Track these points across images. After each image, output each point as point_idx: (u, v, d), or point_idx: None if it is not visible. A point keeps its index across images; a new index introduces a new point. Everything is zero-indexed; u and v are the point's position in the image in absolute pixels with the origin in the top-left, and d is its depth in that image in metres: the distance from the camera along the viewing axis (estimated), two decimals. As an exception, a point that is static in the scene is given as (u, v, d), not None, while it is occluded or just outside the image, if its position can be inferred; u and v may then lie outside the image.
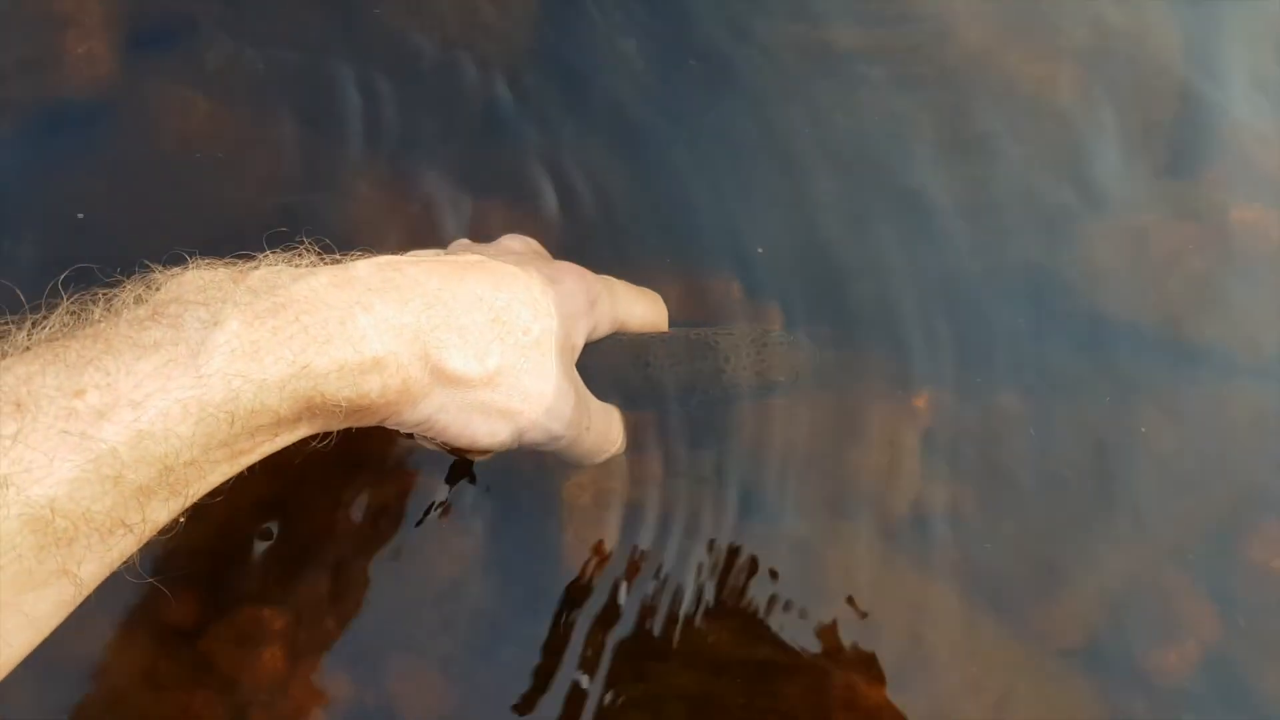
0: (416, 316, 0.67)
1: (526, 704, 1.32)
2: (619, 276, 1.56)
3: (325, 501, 1.40)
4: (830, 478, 1.39)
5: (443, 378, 0.71)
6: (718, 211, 1.56)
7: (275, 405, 0.56)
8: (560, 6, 1.62)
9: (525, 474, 1.44)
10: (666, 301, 1.49)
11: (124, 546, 0.53)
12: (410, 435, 0.98)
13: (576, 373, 0.97)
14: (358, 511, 1.42)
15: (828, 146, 1.50)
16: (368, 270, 0.67)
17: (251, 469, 1.36)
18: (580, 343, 0.97)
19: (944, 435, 1.43)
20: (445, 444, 0.89)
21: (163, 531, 0.64)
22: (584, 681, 1.31)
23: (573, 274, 0.99)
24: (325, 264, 0.68)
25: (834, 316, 1.55)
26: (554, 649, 1.36)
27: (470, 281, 0.75)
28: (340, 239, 1.49)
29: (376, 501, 1.42)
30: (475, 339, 0.72)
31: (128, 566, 0.63)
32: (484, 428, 0.79)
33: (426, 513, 1.44)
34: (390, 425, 0.77)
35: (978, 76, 1.49)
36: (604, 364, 1.12)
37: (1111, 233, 1.49)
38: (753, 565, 1.36)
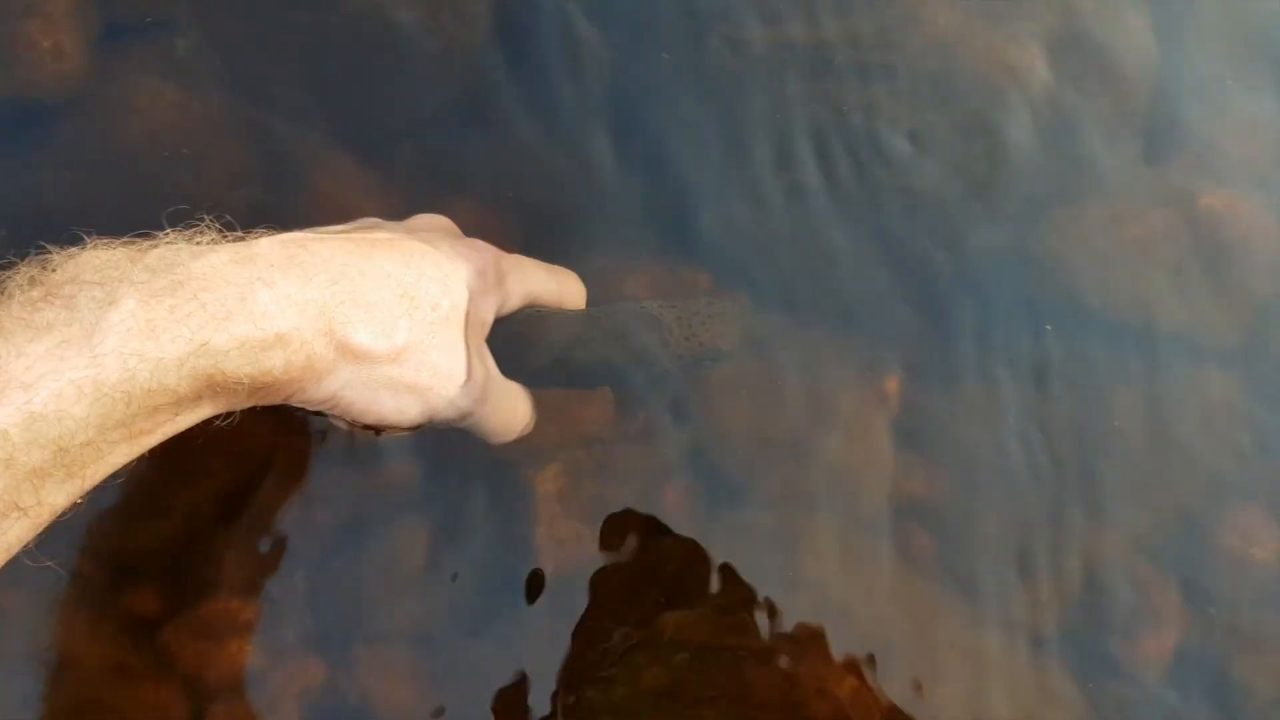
0: (321, 292, 0.67)
1: (500, 694, 1.32)
2: (591, 265, 1.57)
3: (294, 491, 1.40)
4: (800, 465, 1.39)
5: (348, 353, 0.71)
6: (686, 201, 1.56)
7: (174, 384, 0.56)
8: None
9: (498, 461, 1.43)
10: (640, 288, 1.50)
11: (19, 530, 0.53)
12: (320, 414, 0.98)
13: (486, 349, 0.96)
14: (327, 501, 1.41)
15: (795, 136, 1.50)
16: (270, 247, 0.67)
17: (219, 456, 1.35)
18: (490, 318, 0.98)
19: (914, 422, 1.43)
20: (355, 421, 0.89)
21: (62, 514, 0.63)
22: (555, 672, 1.30)
23: (482, 250, 1.00)
24: (227, 241, 0.68)
25: (805, 303, 1.55)
26: (526, 639, 1.36)
27: (378, 257, 0.75)
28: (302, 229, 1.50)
29: (347, 490, 1.41)
30: (382, 314, 0.72)
31: (27, 551, 0.63)
32: (391, 404, 0.79)
33: (399, 502, 1.44)
34: (295, 403, 0.75)
35: (947, 63, 1.49)
36: (547, 342, 1.12)
37: (1082, 220, 1.49)
38: (723, 554, 1.36)
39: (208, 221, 0.76)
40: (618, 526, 1.40)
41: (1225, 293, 1.47)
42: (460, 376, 0.85)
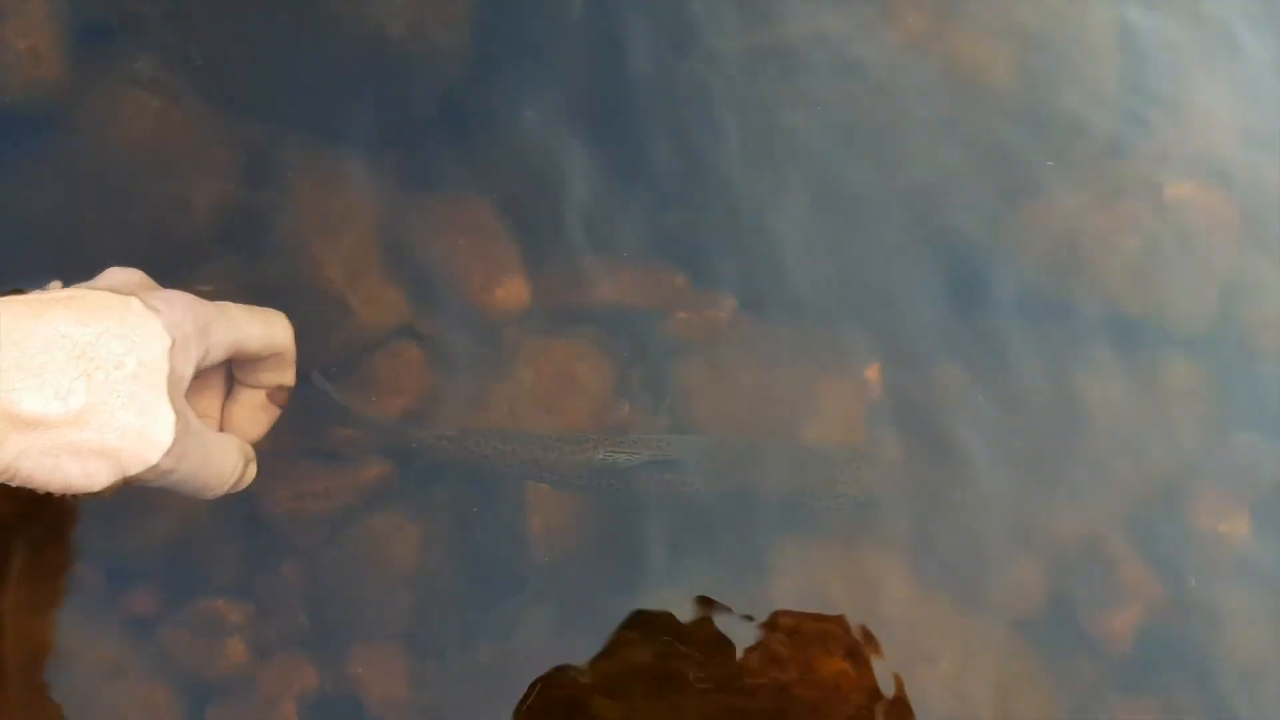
0: None
1: (492, 685, 1.34)
2: (570, 267, 1.59)
3: (287, 493, 1.41)
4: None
5: (18, 422, 0.68)
6: (663, 202, 1.59)
7: None
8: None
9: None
10: (614, 290, 1.53)
11: None
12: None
13: (185, 403, 0.88)
14: (320, 502, 1.43)
15: (771, 135, 1.53)
16: None
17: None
18: (189, 372, 0.89)
19: (892, 407, 1.47)
20: (41, 489, 0.81)
21: None
22: (548, 661, 1.32)
23: (179, 301, 0.92)
24: None
25: (783, 296, 1.58)
26: (518, 630, 1.38)
27: (49, 317, 0.71)
28: (284, 235, 1.51)
29: (339, 492, 1.43)
30: (55, 377, 0.69)
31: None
32: (77, 469, 0.75)
33: (388, 498, 1.46)
34: None
35: (918, 58, 1.53)
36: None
37: (1050, 211, 1.53)
38: (708, 542, 1.39)
39: None
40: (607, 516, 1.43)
41: (1191, 279, 1.52)
42: (157, 435, 0.80)
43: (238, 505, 1.45)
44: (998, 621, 1.40)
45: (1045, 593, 1.44)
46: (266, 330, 1.10)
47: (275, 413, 1.05)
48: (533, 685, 1.28)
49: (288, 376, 1.05)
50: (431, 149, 1.66)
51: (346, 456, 1.48)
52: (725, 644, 1.31)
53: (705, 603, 1.33)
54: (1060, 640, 1.42)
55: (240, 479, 1.05)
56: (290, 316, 1.50)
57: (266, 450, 1.44)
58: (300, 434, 1.49)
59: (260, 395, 1.07)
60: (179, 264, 1.50)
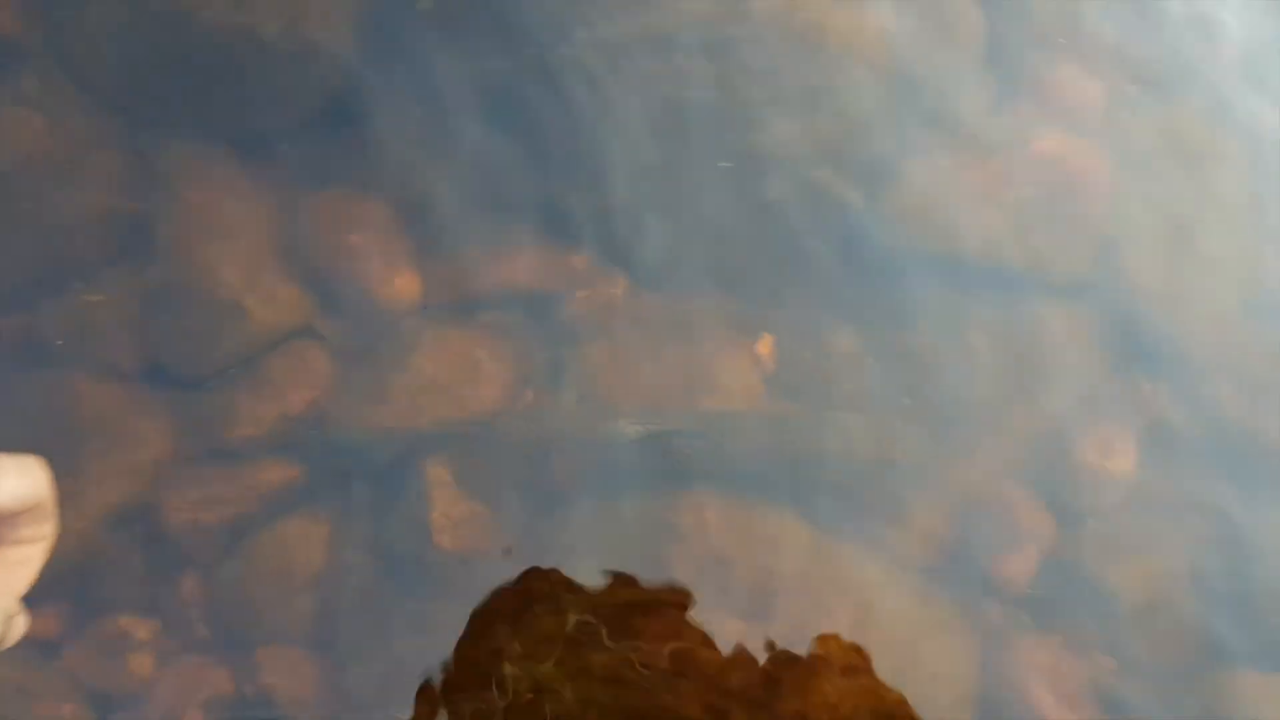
0: None
1: (405, 676, 1.35)
2: (468, 256, 1.60)
3: (185, 503, 1.41)
4: (680, 425, 1.44)
5: None
6: (559, 186, 1.60)
7: None
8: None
9: (387, 456, 1.46)
10: (511, 275, 1.54)
11: None
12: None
13: None
14: (221, 509, 1.43)
15: (650, 114, 1.55)
16: None
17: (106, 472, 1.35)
18: None
19: (786, 374, 1.49)
20: None
21: None
22: (451, 644, 1.33)
23: None
24: None
25: (676, 272, 1.60)
26: (433, 622, 1.39)
27: None
28: (172, 242, 1.51)
29: (240, 497, 1.43)
30: None
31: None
32: None
33: (296, 505, 1.46)
34: None
35: (785, 29, 1.56)
36: None
37: (924, 172, 1.57)
38: (611, 514, 1.41)
39: None
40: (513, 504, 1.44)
41: (1065, 230, 1.56)
42: None
43: (137, 521, 1.45)
44: (899, 571, 1.44)
45: (946, 541, 1.48)
46: (20, 483, 0.96)
47: (36, 566, 0.91)
48: (444, 662, 1.30)
49: (47, 528, 0.94)
50: (321, 147, 1.65)
51: (247, 456, 1.49)
52: (628, 611, 1.33)
53: (610, 573, 1.35)
54: (963, 586, 1.47)
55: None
56: (183, 322, 1.51)
57: (164, 460, 1.45)
58: (197, 438, 1.50)
59: (18, 550, 0.92)
60: (68, 276, 1.50)
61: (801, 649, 1.33)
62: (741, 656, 1.31)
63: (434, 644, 1.37)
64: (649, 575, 1.34)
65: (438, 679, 1.30)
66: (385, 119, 1.62)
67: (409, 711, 1.32)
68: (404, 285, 1.60)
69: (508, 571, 1.41)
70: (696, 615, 1.32)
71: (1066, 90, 1.63)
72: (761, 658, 1.30)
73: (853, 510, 1.45)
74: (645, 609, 1.32)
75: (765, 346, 1.55)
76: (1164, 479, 1.54)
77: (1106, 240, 1.61)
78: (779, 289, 1.58)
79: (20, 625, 1.05)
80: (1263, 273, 1.65)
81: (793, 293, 1.57)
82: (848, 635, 1.37)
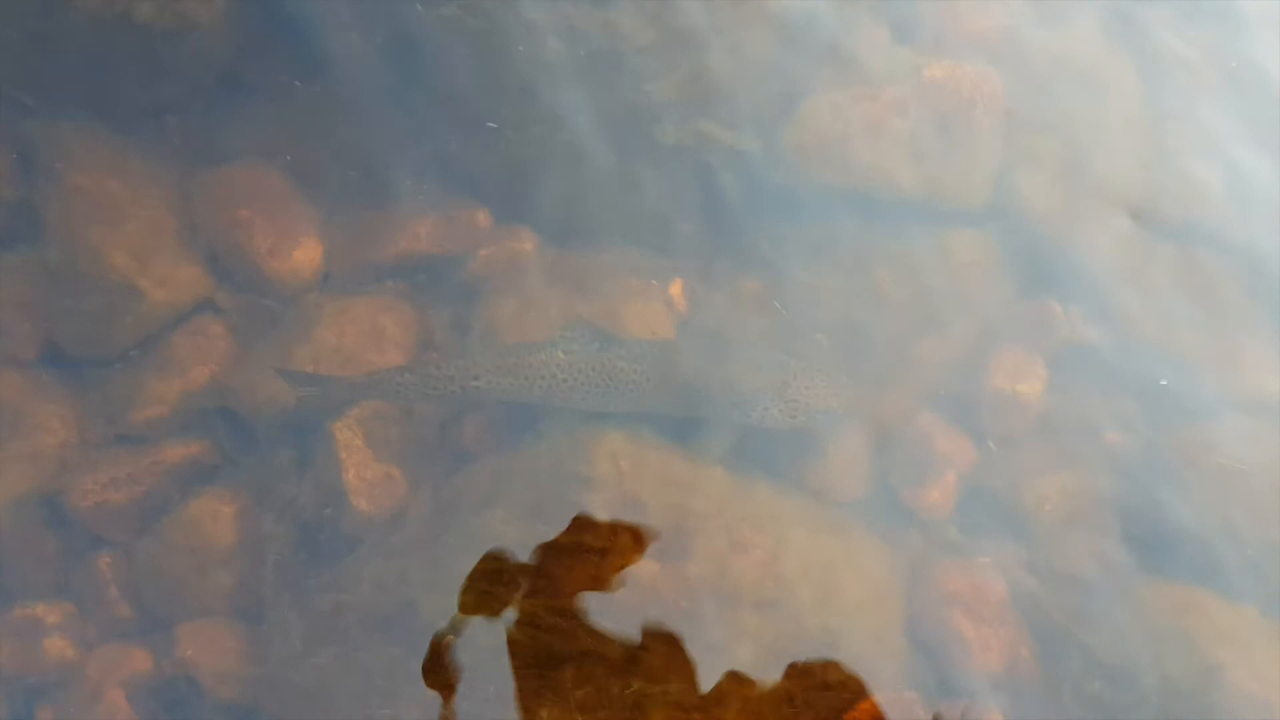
0: None
1: (330, 636, 1.34)
2: (370, 223, 1.58)
3: (91, 485, 1.40)
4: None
5: None
6: (453, 143, 1.59)
7: None
8: None
9: (293, 419, 1.45)
10: (414, 239, 1.53)
11: None
12: None
13: None
14: (128, 489, 1.42)
15: (543, 67, 1.54)
16: None
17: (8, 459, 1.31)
18: None
19: (697, 320, 1.50)
20: None
21: None
22: (373, 602, 1.33)
23: None
24: None
25: (585, 226, 1.60)
26: (355, 584, 1.38)
27: None
28: (60, 226, 1.48)
29: (148, 478, 1.42)
30: None
31: None
32: None
33: (207, 480, 1.45)
34: None
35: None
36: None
37: (818, 109, 1.57)
38: (527, 470, 1.41)
39: None
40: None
41: (963, 157, 1.56)
42: None
43: (43, 507, 1.43)
44: (815, 506, 1.45)
45: (864, 474, 1.49)
46: None
47: None
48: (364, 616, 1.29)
49: None
50: (209, 121, 1.63)
51: (151, 438, 1.47)
52: (545, 554, 1.33)
53: (526, 516, 1.35)
54: (884, 517, 1.47)
55: None
56: (79, 306, 1.48)
57: (68, 444, 1.43)
58: (101, 421, 1.48)
59: None
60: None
61: (718, 585, 1.33)
62: (658, 596, 1.31)
63: (355, 604, 1.37)
64: (565, 521, 1.34)
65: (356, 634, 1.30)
66: (271, 89, 1.60)
67: (391, 709, 1.32)
68: (304, 256, 1.58)
69: (426, 529, 1.41)
70: (613, 559, 1.32)
71: (962, 20, 1.63)
72: (679, 597, 1.31)
73: (768, 448, 1.46)
74: (562, 552, 1.32)
75: (676, 291, 1.55)
76: (1075, 399, 1.55)
77: (1003, 166, 1.61)
78: (686, 236, 1.58)
79: None
80: (1161, 190, 1.66)
81: (700, 240, 1.57)
82: (761, 568, 1.37)
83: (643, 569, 1.33)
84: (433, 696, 1.26)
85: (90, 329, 1.48)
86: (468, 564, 1.32)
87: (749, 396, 1.41)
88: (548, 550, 1.34)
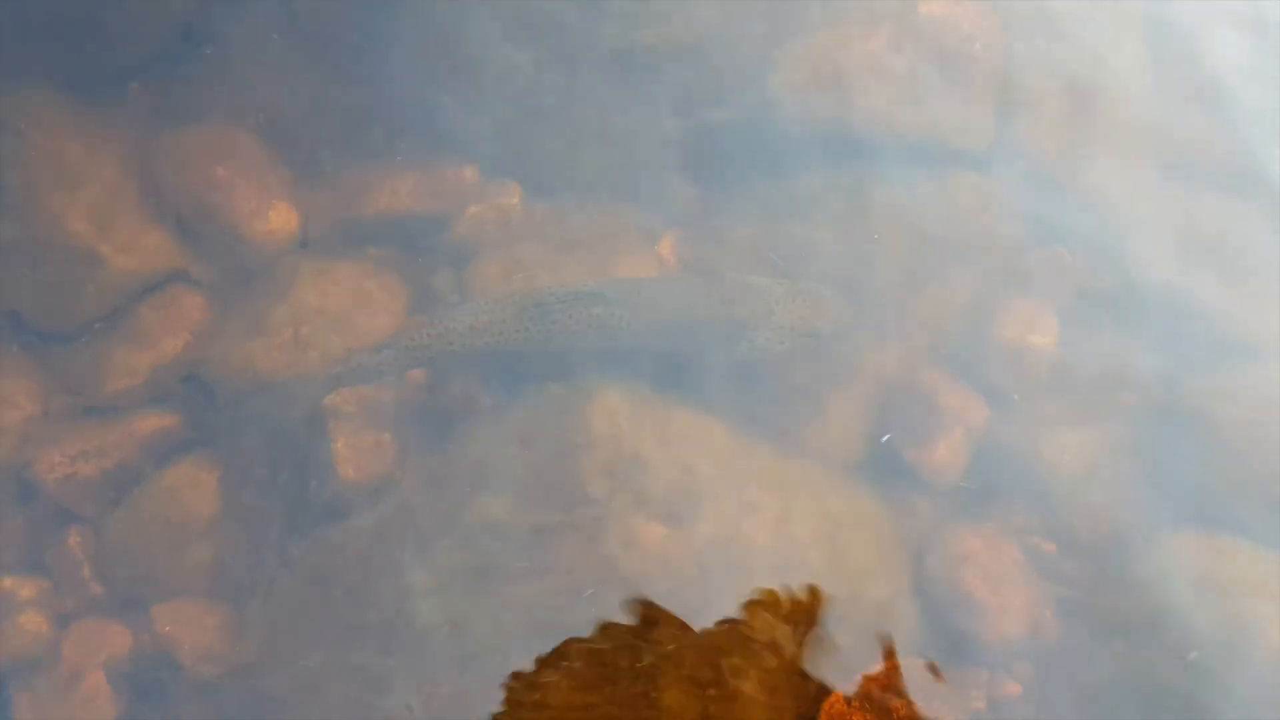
0: None
1: (316, 612, 1.29)
2: (349, 182, 1.53)
3: (59, 458, 1.34)
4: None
5: None
6: (438, 97, 1.53)
7: None
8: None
9: (279, 387, 1.40)
10: (397, 197, 1.47)
11: None
12: None
13: None
14: (99, 463, 1.36)
15: (525, 18, 1.48)
16: None
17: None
18: None
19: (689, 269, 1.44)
20: None
21: None
22: (360, 580, 1.28)
23: None
24: None
25: (570, 181, 1.54)
26: (344, 557, 1.33)
27: None
28: (17, 191, 1.42)
29: (118, 450, 1.37)
30: None
31: None
32: None
33: (181, 453, 1.40)
34: None
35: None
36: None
37: (809, 51, 1.50)
38: (522, 432, 1.35)
39: None
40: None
41: (961, 96, 1.50)
42: None
43: (10, 481, 1.38)
44: (821, 466, 1.38)
45: (866, 434, 1.42)
46: None
47: None
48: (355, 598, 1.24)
49: None
50: (174, 82, 1.56)
51: (123, 408, 1.41)
52: (542, 532, 1.27)
53: (521, 492, 1.29)
54: (887, 478, 1.39)
55: None
56: (41, 276, 1.42)
57: (34, 418, 1.37)
58: (68, 394, 1.42)
59: None
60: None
61: (726, 551, 1.27)
62: (664, 565, 1.25)
63: (341, 581, 1.31)
64: (562, 494, 1.28)
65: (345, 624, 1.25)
66: (241, 45, 1.54)
67: (381, 685, 1.26)
68: (279, 219, 1.51)
69: (414, 500, 1.35)
70: (617, 524, 1.25)
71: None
72: (682, 561, 1.24)
73: (770, 407, 1.40)
74: (560, 529, 1.26)
75: (666, 246, 1.49)
76: (1090, 349, 1.48)
77: (1004, 105, 1.54)
78: (676, 185, 1.52)
79: None
80: (1173, 133, 1.59)
81: (692, 188, 1.51)
82: (770, 529, 1.32)
83: (646, 532, 1.27)
84: (426, 675, 1.21)
85: (54, 300, 1.42)
86: (460, 546, 1.27)
87: (735, 329, 1.36)
88: (544, 526, 1.27)
